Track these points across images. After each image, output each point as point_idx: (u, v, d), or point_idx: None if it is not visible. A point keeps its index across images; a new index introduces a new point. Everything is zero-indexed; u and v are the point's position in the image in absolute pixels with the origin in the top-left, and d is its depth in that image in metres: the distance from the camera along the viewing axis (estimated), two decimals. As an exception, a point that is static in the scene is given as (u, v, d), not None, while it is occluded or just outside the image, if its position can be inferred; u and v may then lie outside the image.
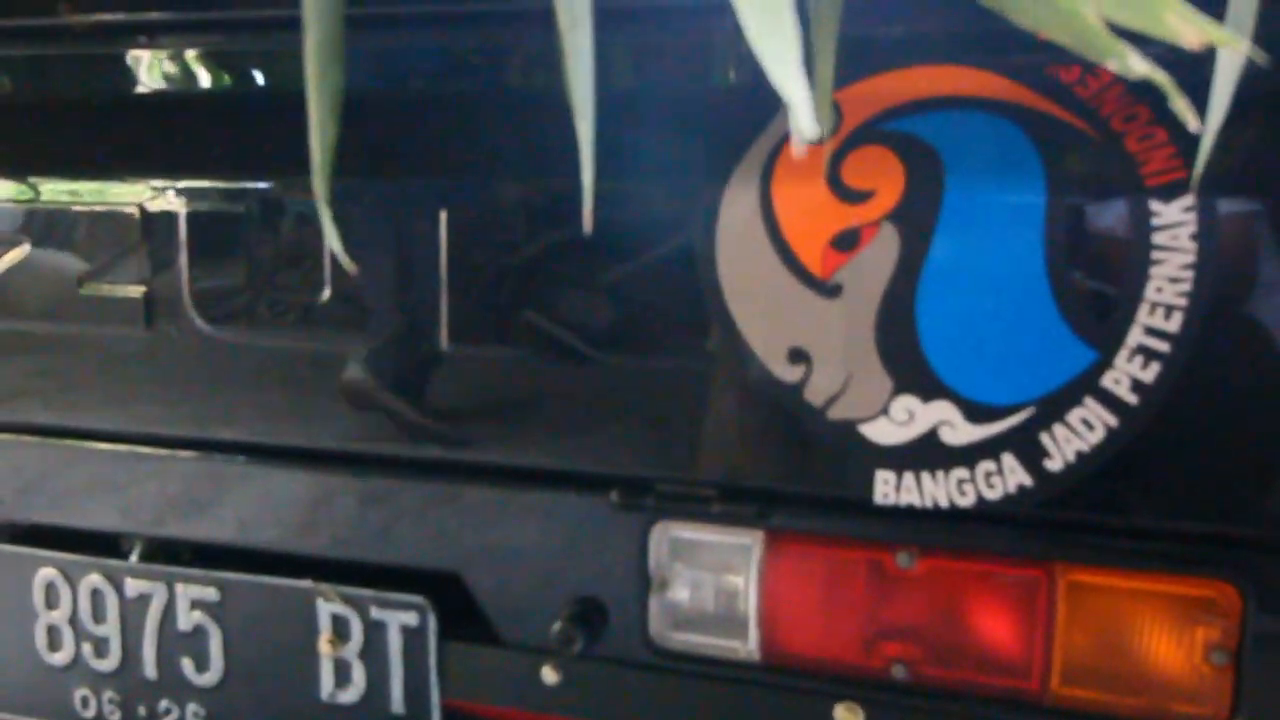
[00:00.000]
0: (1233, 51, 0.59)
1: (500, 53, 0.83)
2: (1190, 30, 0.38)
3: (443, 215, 0.80)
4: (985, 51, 0.72)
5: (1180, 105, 0.41)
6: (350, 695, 0.88)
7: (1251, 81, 0.59)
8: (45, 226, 0.91)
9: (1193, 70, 0.65)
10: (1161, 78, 0.41)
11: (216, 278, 0.88)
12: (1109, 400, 0.69)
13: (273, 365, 0.88)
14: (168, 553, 0.94)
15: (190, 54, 0.90)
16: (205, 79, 0.91)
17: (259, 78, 0.90)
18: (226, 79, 0.91)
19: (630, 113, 0.77)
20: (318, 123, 0.50)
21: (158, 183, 0.88)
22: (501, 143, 0.82)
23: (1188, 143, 0.67)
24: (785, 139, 0.74)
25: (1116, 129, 0.69)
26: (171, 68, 0.90)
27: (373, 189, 0.82)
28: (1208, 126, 0.59)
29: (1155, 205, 0.68)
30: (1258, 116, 0.66)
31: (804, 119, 0.33)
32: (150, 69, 0.91)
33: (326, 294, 0.84)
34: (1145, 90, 0.71)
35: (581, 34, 0.51)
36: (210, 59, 0.90)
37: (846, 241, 0.73)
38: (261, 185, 0.87)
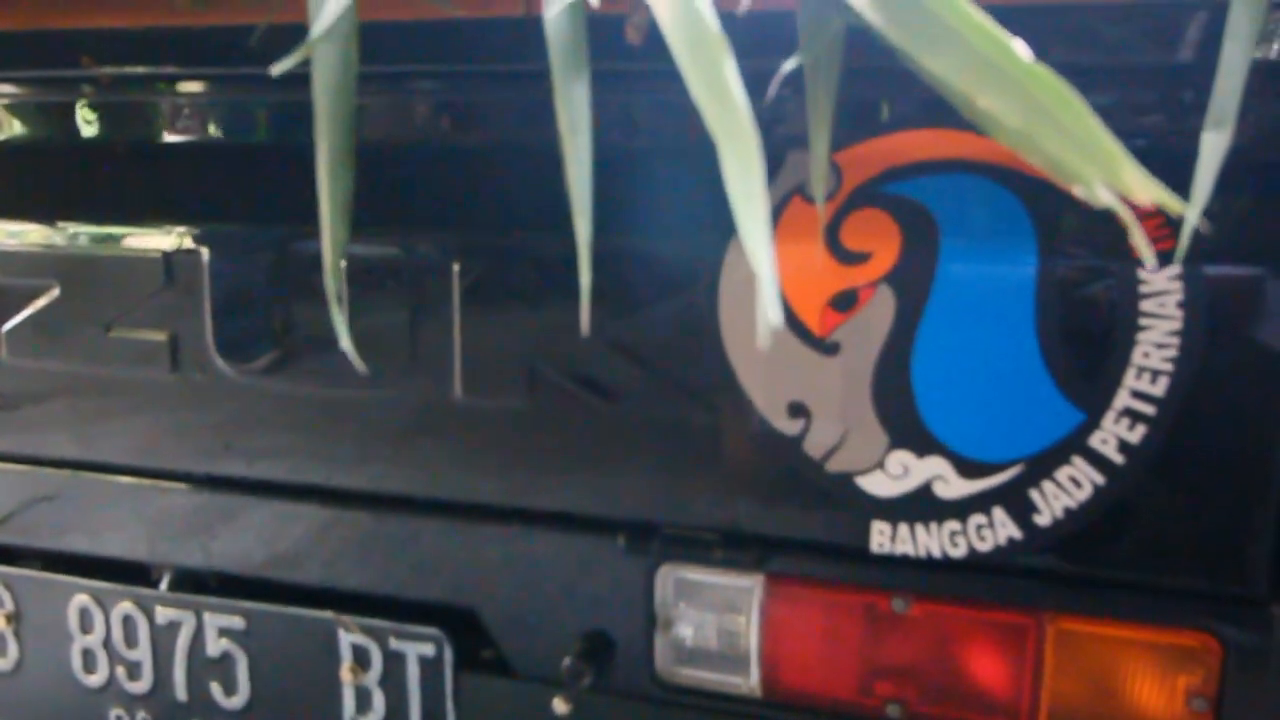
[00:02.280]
0: (1215, 138, 0.61)
1: (510, 107, 0.86)
2: (1144, 190, 0.40)
3: (455, 267, 0.83)
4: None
5: (1139, 241, 0.43)
6: (371, 720, 0.92)
7: (1236, 157, 0.61)
8: (75, 271, 0.94)
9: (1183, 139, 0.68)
10: (1124, 212, 0.43)
11: (239, 322, 0.91)
12: (1096, 460, 0.72)
13: (295, 407, 0.91)
14: (196, 582, 0.98)
15: (211, 103, 0.92)
16: (226, 128, 0.94)
17: (279, 127, 0.93)
18: (245, 128, 0.94)
19: (636, 172, 0.79)
20: (328, 225, 0.53)
21: (183, 229, 0.91)
22: (511, 197, 0.85)
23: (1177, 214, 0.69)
24: (786, 199, 0.77)
25: (1107, 196, 0.71)
26: (193, 116, 0.93)
27: (389, 241, 0.85)
28: (1192, 207, 0.61)
29: (1143, 274, 0.70)
30: (1243, 191, 0.68)
31: (770, 304, 0.35)
32: (173, 117, 0.93)
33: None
34: (1136, 154, 0.73)
35: (581, 139, 0.53)
36: (230, 108, 0.93)
37: (844, 302, 0.75)
38: (283, 232, 0.90)
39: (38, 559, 1.04)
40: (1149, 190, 0.40)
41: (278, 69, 0.47)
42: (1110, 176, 0.42)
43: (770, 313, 0.34)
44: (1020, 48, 0.46)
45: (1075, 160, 0.43)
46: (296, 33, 0.52)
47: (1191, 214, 0.60)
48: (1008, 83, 0.44)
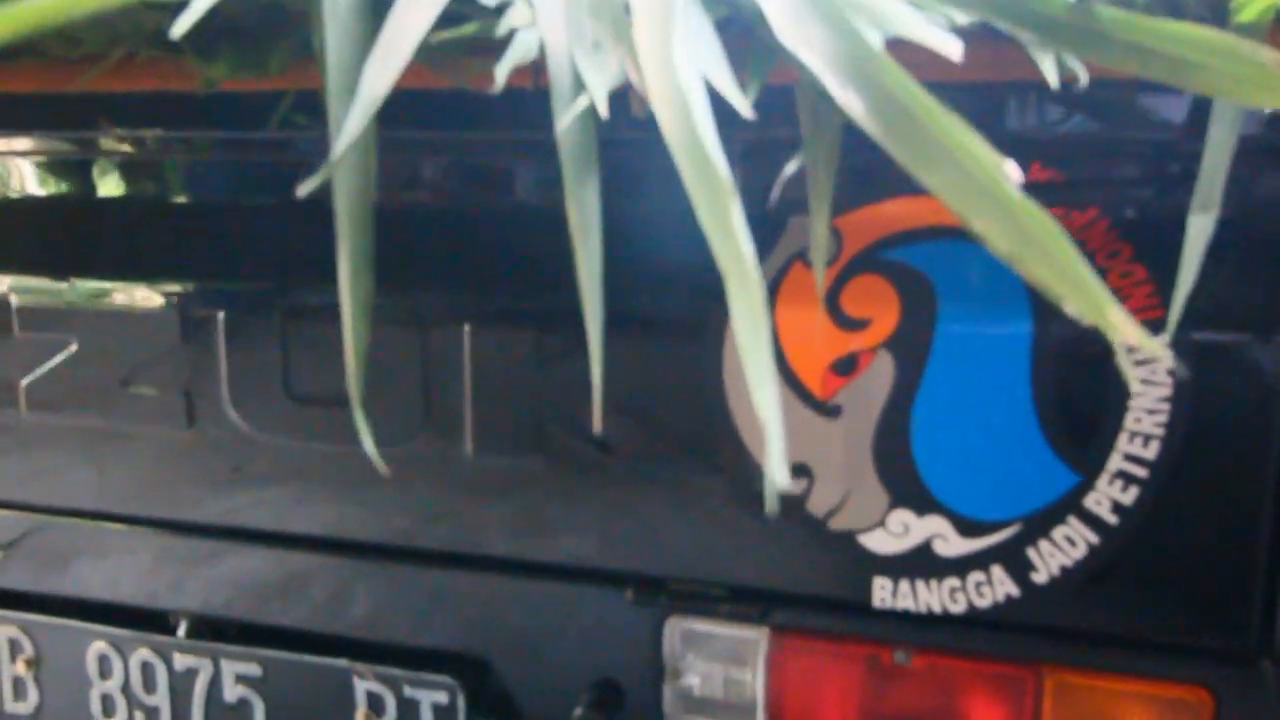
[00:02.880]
0: (1202, 221, 0.64)
1: (519, 174, 0.88)
2: (1126, 330, 0.43)
3: (466, 328, 0.86)
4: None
5: (1123, 363, 0.45)
6: (386, 766, 0.95)
7: (1223, 231, 0.64)
8: (93, 329, 0.96)
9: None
10: (1107, 333, 0.45)
11: (254, 379, 0.93)
12: (1091, 520, 0.74)
13: (310, 461, 0.93)
14: (214, 629, 1.00)
15: (226, 164, 0.95)
16: (240, 188, 0.96)
17: (291, 187, 0.95)
18: (259, 188, 0.96)
19: (644, 237, 0.81)
20: (350, 327, 0.55)
21: (199, 287, 0.93)
22: (520, 260, 0.87)
23: (1165, 282, 0.71)
24: (788, 264, 0.79)
25: (1100, 265, 0.74)
26: (208, 177, 0.95)
27: (403, 303, 0.87)
28: (1179, 287, 0.63)
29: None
30: (1230, 264, 0.70)
31: (777, 469, 0.36)
32: (187, 178, 0.96)
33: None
34: (1127, 229, 0.76)
35: (592, 241, 0.56)
36: (244, 169, 0.95)
37: (845, 366, 0.78)
38: (297, 291, 0.92)
39: (58, 606, 1.06)
40: (1130, 331, 0.42)
41: (302, 190, 0.49)
42: (1095, 314, 0.44)
43: (778, 475, 0.36)
44: (1013, 172, 0.48)
45: (1062, 290, 0.45)
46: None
47: (1179, 294, 0.63)
48: (999, 209, 0.46)
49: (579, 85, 0.56)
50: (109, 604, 1.03)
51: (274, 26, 0.65)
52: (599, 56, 0.56)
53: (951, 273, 0.76)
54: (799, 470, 0.80)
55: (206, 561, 0.99)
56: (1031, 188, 0.78)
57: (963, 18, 0.59)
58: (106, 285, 0.97)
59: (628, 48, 0.54)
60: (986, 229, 0.47)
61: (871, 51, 0.51)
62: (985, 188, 0.46)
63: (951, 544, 0.77)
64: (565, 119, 0.53)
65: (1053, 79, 0.56)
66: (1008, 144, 0.77)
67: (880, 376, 0.77)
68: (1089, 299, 0.43)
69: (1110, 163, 0.74)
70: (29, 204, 0.99)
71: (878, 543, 0.79)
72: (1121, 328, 0.42)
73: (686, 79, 0.51)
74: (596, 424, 0.53)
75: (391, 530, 0.92)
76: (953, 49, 0.49)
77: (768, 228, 0.79)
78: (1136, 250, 0.73)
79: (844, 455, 0.78)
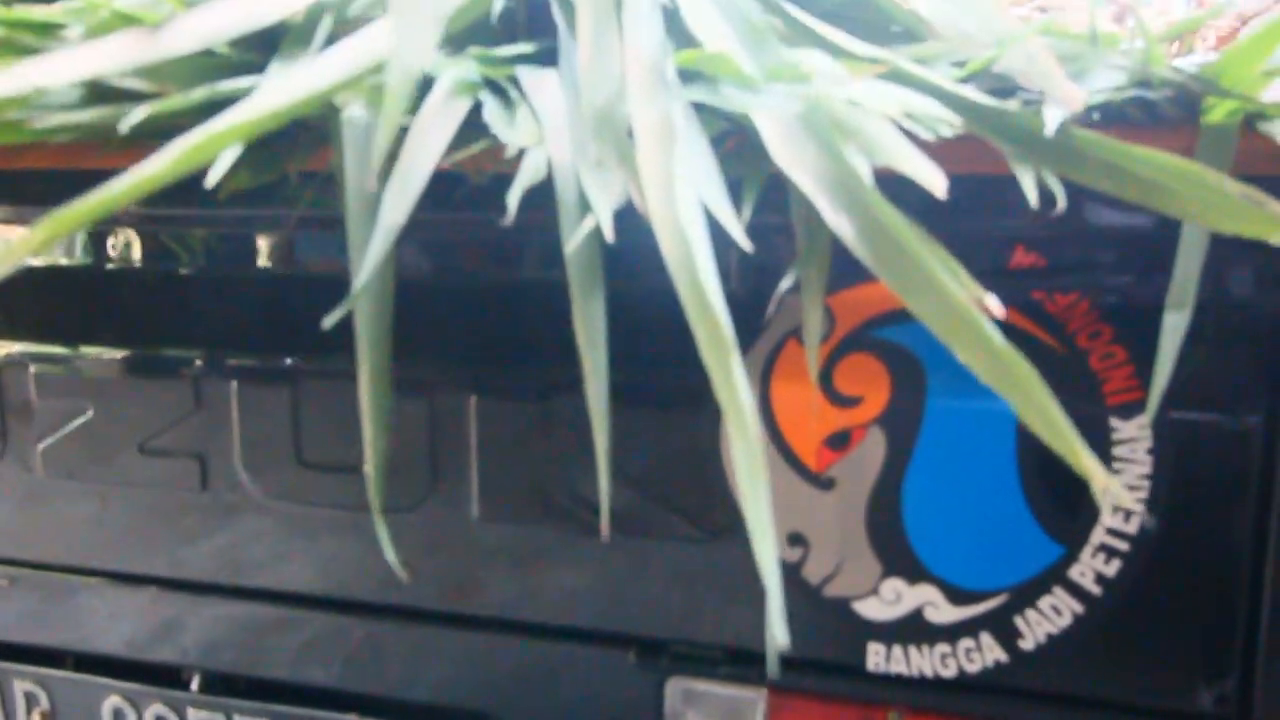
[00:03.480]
0: (1176, 319, 0.67)
1: (526, 247, 0.91)
2: (1097, 476, 0.46)
3: (473, 400, 0.89)
4: (968, 262, 0.79)
5: (1098, 495, 0.49)
6: (393, 820, 0.97)
7: (1198, 315, 0.67)
8: (109, 394, 0.99)
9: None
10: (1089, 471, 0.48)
11: (266, 444, 0.96)
12: (1075, 590, 0.77)
13: (320, 524, 0.96)
14: (226, 684, 1.03)
15: (238, 236, 0.97)
16: (250, 260, 0.98)
17: (304, 259, 0.98)
18: (271, 259, 0.99)
19: (646, 313, 0.84)
20: (371, 439, 0.58)
21: (213, 358, 0.96)
22: (525, 335, 0.90)
23: (1144, 364, 0.75)
24: (783, 342, 0.82)
25: (1082, 346, 0.77)
26: (221, 249, 0.98)
27: (413, 374, 0.90)
28: (1156, 378, 0.67)
29: (1115, 421, 0.75)
30: (1204, 347, 0.73)
31: (777, 627, 0.40)
32: (201, 250, 0.98)
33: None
34: (1108, 311, 0.79)
35: (598, 353, 0.59)
36: (255, 241, 0.97)
37: (838, 441, 0.81)
38: (308, 359, 0.95)
39: (72, 660, 1.08)
40: (1100, 477, 0.45)
41: (327, 322, 0.52)
42: (1068, 455, 0.47)
43: (778, 635, 0.39)
44: (994, 307, 0.51)
45: (1037, 426, 0.48)
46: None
47: (1156, 385, 0.66)
48: (979, 344, 0.49)
49: (584, 204, 0.58)
50: (124, 659, 1.06)
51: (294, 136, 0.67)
52: (604, 176, 0.59)
53: (940, 352, 0.78)
54: (795, 539, 0.83)
55: (219, 618, 1.01)
56: (1018, 272, 0.81)
57: (950, 131, 0.63)
58: (122, 354, 0.99)
59: (631, 170, 0.57)
60: (967, 359, 0.50)
61: (860, 181, 0.54)
62: (966, 322, 0.49)
63: (942, 611, 0.80)
64: (573, 242, 0.56)
65: (1032, 197, 0.59)
66: (996, 230, 0.80)
67: (872, 451, 0.80)
68: (1061, 440, 0.47)
69: (1092, 248, 0.77)
70: (48, 274, 1.02)
71: (871, 609, 0.82)
72: (1092, 473, 0.45)
73: (687, 211, 0.54)
74: (604, 533, 0.56)
75: (400, 591, 0.95)
76: (937, 184, 0.52)
77: (762, 305, 0.82)
78: (1117, 332, 0.76)
79: (838, 526, 0.81)
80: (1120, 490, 0.45)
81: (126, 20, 0.60)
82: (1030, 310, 0.78)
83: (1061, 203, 0.58)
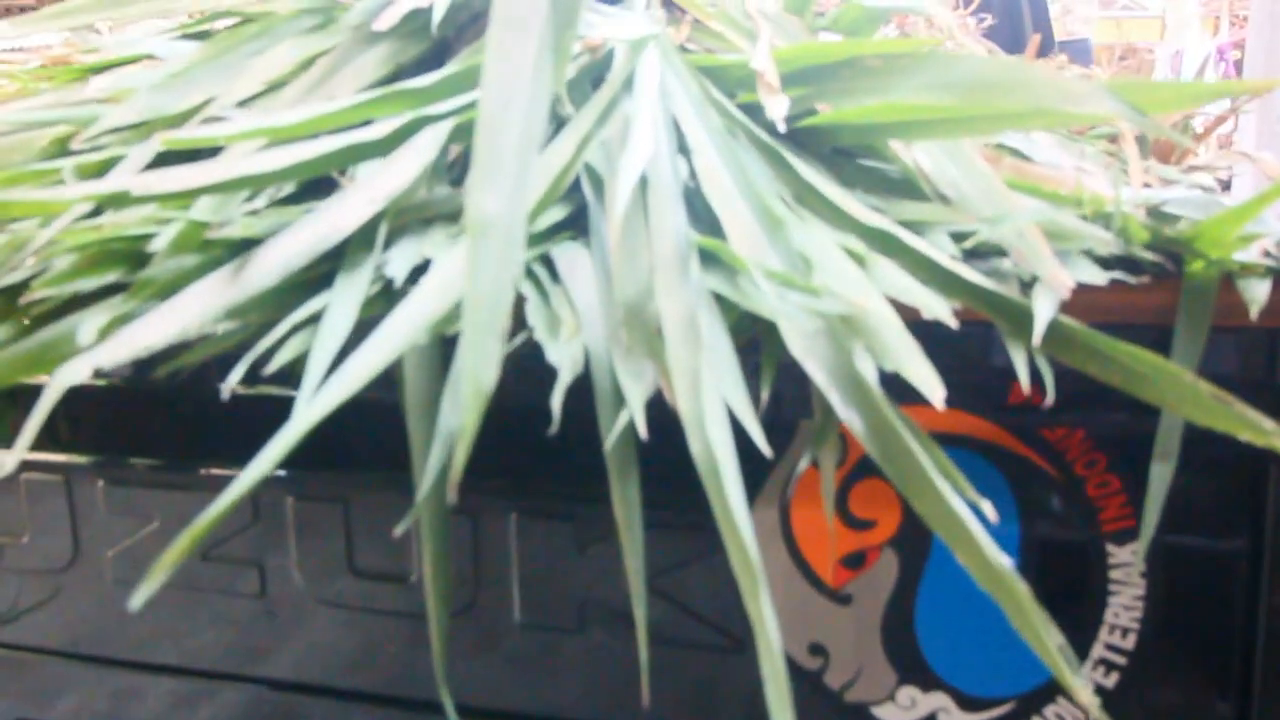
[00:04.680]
0: (1162, 469, 0.73)
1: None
2: (1083, 695, 0.52)
3: (513, 516, 0.95)
4: (971, 396, 0.85)
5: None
6: None
7: (1188, 451, 0.73)
8: (175, 506, 1.07)
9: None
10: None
11: (320, 555, 1.03)
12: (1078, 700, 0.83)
13: (371, 626, 1.03)
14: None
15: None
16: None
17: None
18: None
19: (669, 437, 0.91)
20: (435, 619, 0.65)
21: (271, 476, 1.03)
22: (563, 458, 0.96)
23: (1137, 494, 0.81)
24: (802, 466, 0.88)
25: (1079, 474, 0.83)
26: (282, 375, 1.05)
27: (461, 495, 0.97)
28: (1145, 524, 0.73)
29: (1110, 547, 0.81)
30: (1193, 477, 0.79)
31: None
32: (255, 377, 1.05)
33: (414, 577, 0.99)
34: (1103, 441, 0.85)
35: (635, 534, 0.65)
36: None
37: (855, 561, 0.87)
38: (360, 480, 1.02)
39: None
40: (1085, 697, 0.51)
41: (397, 531, 0.59)
42: (1056, 672, 0.54)
43: None
44: (990, 513, 0.57)
45: (1028, 639, 0.54)
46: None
47: (1147, 526, 0.72)
48: (973, 552, 0.55)
49: (619, 395, 0.65)
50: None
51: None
52: (636, 365, 0.65)
53: (947, 478, 0.85)
54: (816, 649, 0.89)
55: (275, 714, 1.09)
56: (1022, 403, 0.88)
57: (947, 305, 0.69)
58: (187, 470, 1.07)
59: (660, 364, 0.64)
60: (964, 562, 0.56)
61: (868, 385, 0.60)
62: (962, 529, 0.55)
63: (955, 717, 0.86)
64: (611, 438, 0.62)
65: (1023, 380, 0.65)
66: (1000, 364, 0.86)
67: (886, 571, 0.86)
68: (1050, 658, 0.53)
69: (1088, 383, 0.83)
70: (117, 394, 1.09)
71: (889, 714, 0.88)
72: (1078, 695, 0.52)
73: (713, 410, 0.61)
74: (645, 699, 0.63)
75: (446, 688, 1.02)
76: (936, 395, 0.58)
77: (780, 430, 0.88)
78: (1110, 461, 0.82)
79: (855, 637, 0.88)
80: (1091, 700, 0.51)
81: (201, 229, 0.67)
82: (1030, 439, 0.84)
83: (1050, 397, 0.64)
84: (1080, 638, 0.83)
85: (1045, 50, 3.57)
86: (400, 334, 0.57)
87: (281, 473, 1.03)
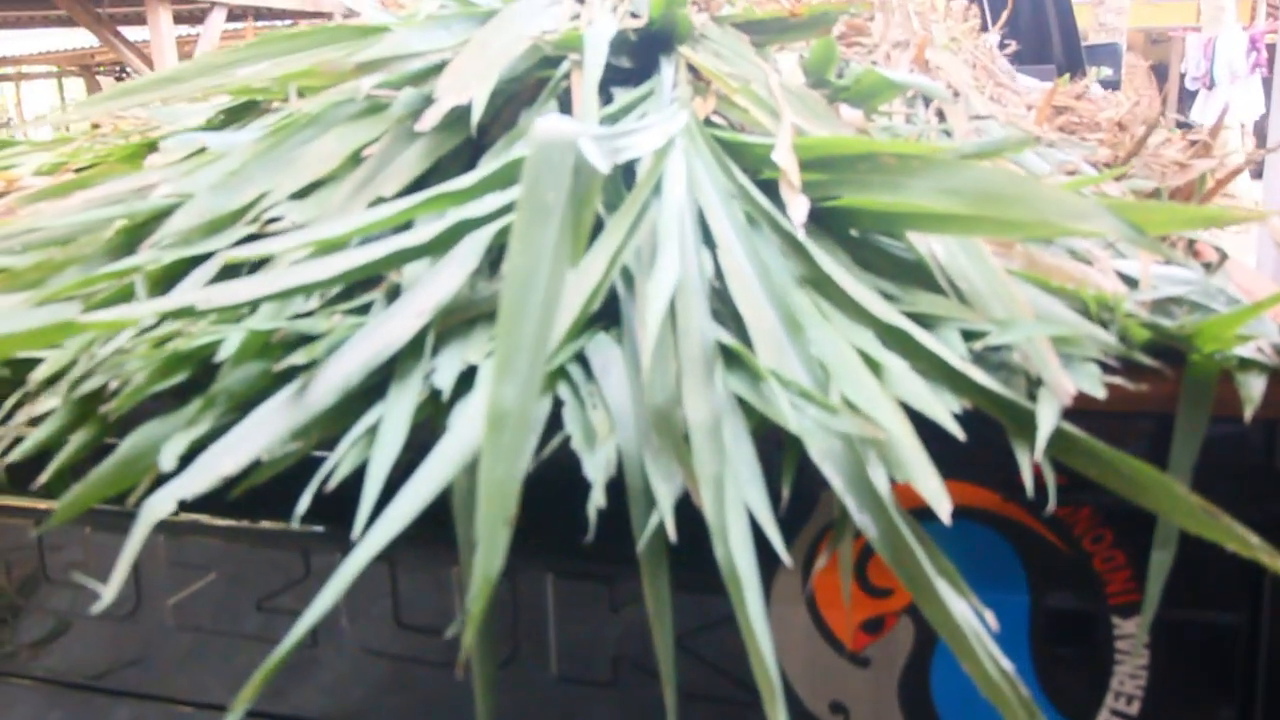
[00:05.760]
0: (1162, 556, 0.77)
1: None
2: None
3: (550, 578, 1.01)
4: (985, 471, 0.90)
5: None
6: None
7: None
8: (231, 559, 1.13)
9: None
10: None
11: (368, 607, 1.09)
12: (1084, 762, 0.88)
13: (416, 677, 1.09)
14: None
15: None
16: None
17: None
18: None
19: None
20: (481, 699, 0.70)
21: (322, 535, 1.10)
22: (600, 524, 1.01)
23: (1142, 567, 0.85)
24: (820, 534, 0.93)
25: (1087, 549, 0.87)
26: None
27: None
28: (1146, 607, 0.77)
29: (1116, 619, 0.86)
30: (1193, 552, 0.83)
31: None
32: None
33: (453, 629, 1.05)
34: (1109, 516, 0.89)
35: (665, 621, 0.70)
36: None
37: (873, 626, 0.92)
38: (407, 536, 1.07)
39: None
40: None
41: (448, 633, 0.64)
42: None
43: None
44: (991, 621, 0.62)
45: None
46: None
47: (1149, 606, 0.77)
48: (974, 657, 0.60)
49: (650, 493, 0.70)
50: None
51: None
52: (665, 466, 0.70)
53: (961, 550, 0.89)
54: (836, 707, 0.94)
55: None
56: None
57: (957, 405, 0.73)
58: (243, 527, 1.13)
59: (687, 468, 0.69)
60: (965, 666, 0.61)
61: (880, 495, 0.65)
62: (966, 636, 0.60)
63: (968, 775, 0.91)
64: (643, 540, 0.68)
65: (1028, 482, 0.69)
66: (1007, 447, 0.90)
67: (903, 636, 0.91)
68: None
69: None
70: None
71: (905, 770, 0.93)
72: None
73: (735, 517, 0.66)
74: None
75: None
76: (944, 510, 0.63)
77: (803, 496, 0.93)
78: (1117, 536, 0.86)
79: (874, 698, 0.93)
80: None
81: (262, 337, 0.73)
82: (1040, 514, 0.88)
83: (1053, 504, 0.68)
84: (1087, 704, 0.87)
85: (1072, 68, 3.58)
86: (446, 465, 0.62)
87: (319, 528, 1.10)
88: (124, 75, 12.40)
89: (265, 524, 1.12)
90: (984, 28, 2.73)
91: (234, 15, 7.38)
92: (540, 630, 1.02)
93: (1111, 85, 4.35)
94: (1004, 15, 2.67)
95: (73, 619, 1.23)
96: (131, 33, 7.75)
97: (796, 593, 0.94)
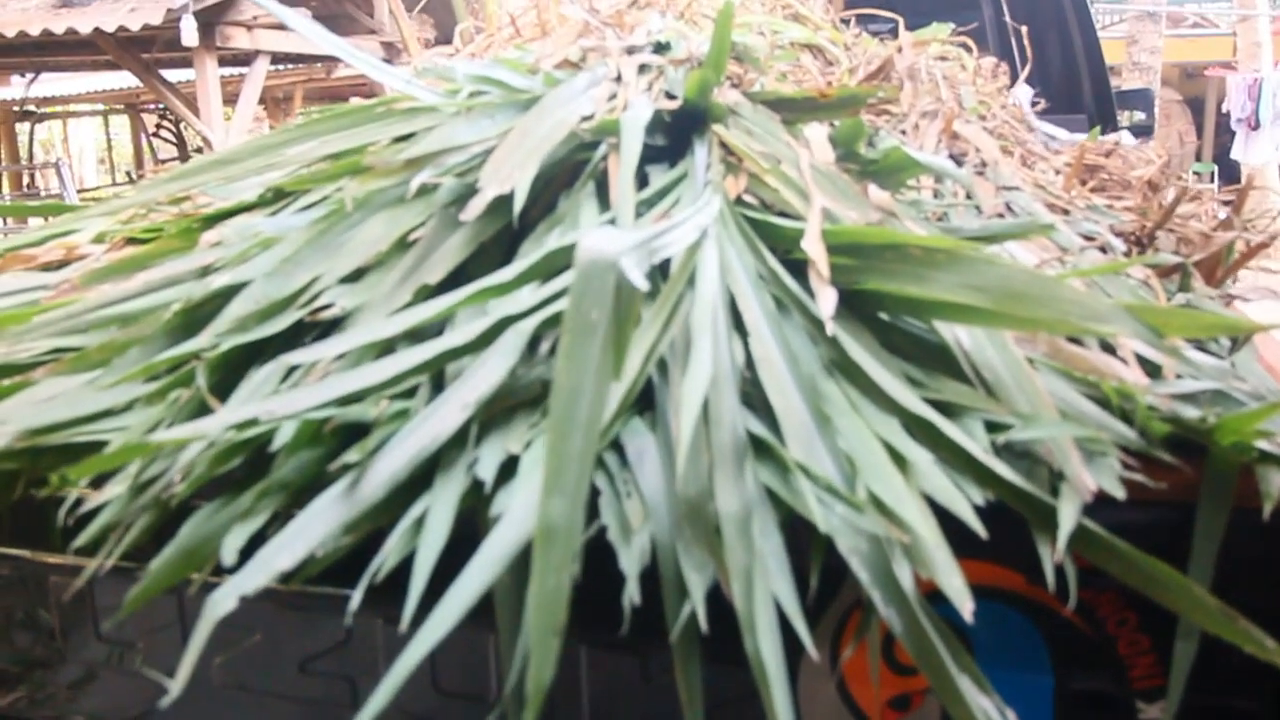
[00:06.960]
0: (1185, 647, 0.78)
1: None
2: None
3: (582, 651, 1.04)
4: (1009, 553, 0.92)
5: None
6: None
7: None
8: (275, 622, 1.17)
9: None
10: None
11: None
12: (1109, 842, 0.89)
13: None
14: None
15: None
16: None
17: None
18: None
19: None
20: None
21: (362, 602, 1.13)
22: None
23: (1164, 653, 0.86)
24: (848, 613, 0.95)
25: (1111, 633, 0.89)
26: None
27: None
28: (1170, 695, 0.79)
29: (1140, 703, 0.87)
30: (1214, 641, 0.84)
31: None
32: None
33: (491, 697, 1.08)
34: (1133, 601, 0.91)
35: (695, 699, 0.73)
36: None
37: (900, 703, 0.94)
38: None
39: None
40: None
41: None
42: None
43: None
44: (1012, 717, 0.64)
45: None
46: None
47: (1171, 700, 0.78)
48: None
49: (682, 581, 0.73)
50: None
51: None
52: (697, 556, 0.73)
53: (986, 630, 0.91)
54: (865, 781, 0.96)
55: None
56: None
57: (980, 497, 0.76)
58: (287, 592, 1.17)
59: (719, 560, 0.71)
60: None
61: (904, 592, 0.67)
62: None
63: None
64: (676, 630, 0.70)
65: (1049, 579, 0.71)
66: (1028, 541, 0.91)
67: (930, 713, 0.93)
68: None
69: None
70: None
71: (932, 841, 0.94)
72: None
73: (763, 610, 0.68)
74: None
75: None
76: (966, 607, 0.65)
77: (831, 573, 0.95)
78: (1141, 620, 0.88)
79: (902, 774, 0.94)
80: None
81: (314, 426, 0.77)
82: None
83: (1073, 601, 0.70)
84: (1113, 786, 0.88)
85: (1104, 116, 3.59)
86: (491, 566, 0.65)
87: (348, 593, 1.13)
88: (166, 114, 12.73)
89: (307, 587, 1.15)
90: (1012, 79, 2.75)
91: (277, 59, 7.57)
92: (574, 699, 1.05)
93: (1145, 131, 4.36)
94: (1026, 69, 2.69)
95: (115, 669, 1.27)
96: (174, 74, 7.97)
97: (825, 671, 0.96)
